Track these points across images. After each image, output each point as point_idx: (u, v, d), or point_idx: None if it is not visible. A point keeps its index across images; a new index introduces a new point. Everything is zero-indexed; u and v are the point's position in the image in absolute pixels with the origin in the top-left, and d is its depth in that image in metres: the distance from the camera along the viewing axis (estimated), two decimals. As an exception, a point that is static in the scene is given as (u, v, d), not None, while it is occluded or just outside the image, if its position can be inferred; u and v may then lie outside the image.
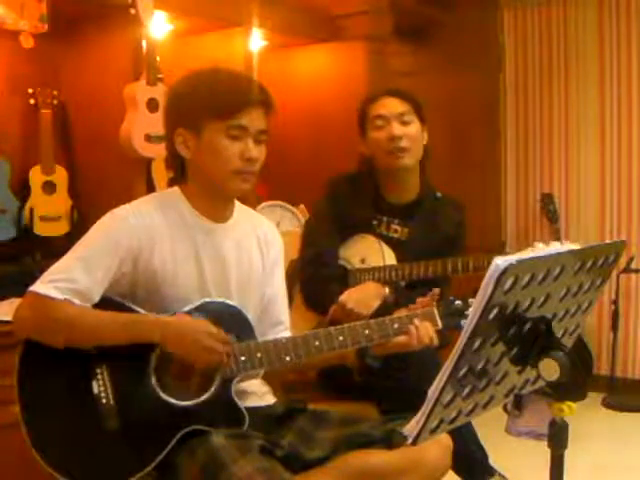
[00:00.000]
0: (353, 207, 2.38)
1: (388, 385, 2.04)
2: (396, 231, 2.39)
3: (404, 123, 2.33)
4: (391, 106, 2.35)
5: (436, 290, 1.80)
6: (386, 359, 1.80)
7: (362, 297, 2.19)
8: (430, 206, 2.41)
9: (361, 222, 2.38)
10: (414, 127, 2.35)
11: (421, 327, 1.74)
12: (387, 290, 2.25)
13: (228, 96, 1.66)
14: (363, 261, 2.36)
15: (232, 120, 1.65)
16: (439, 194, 2.45)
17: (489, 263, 1.90)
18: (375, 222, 2.39)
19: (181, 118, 1.70)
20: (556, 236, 3.96)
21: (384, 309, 2.14)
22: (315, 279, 2.31)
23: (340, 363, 1.86)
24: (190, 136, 1.69)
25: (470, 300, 1.76)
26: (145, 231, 1.66)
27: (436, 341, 1.77)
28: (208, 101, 1.66)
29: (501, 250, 4.01)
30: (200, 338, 1.59)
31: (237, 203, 1.83)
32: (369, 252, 2.36)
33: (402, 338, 1.74)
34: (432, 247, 2.34)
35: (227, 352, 1.62)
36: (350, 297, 2.19)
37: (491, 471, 2.38)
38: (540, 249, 2.13)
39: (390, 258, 2.33)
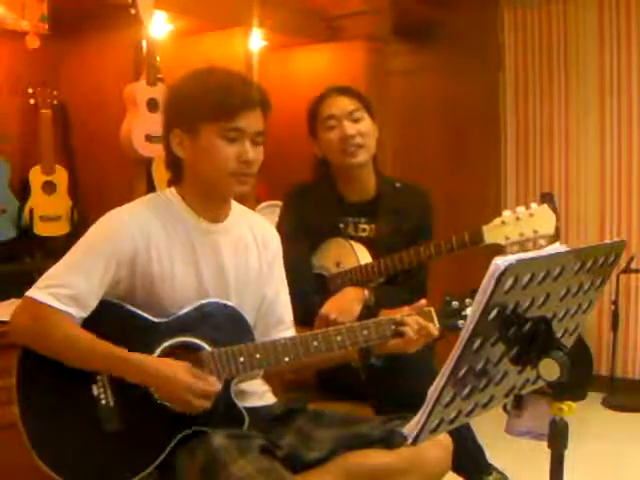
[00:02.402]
0: (316, 214, 2.34)
1: (387, 385, 2.03)
2: (364, 230, 2.36)
3: (355, 120, 2.32)
4: (341, 105, 2.33)
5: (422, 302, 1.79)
6: (387, 359, 1.80)
7: (343, 305, 2.16)
8: (392, 198, 2.38)
9: (327, 228, 2.35)
10: (365, 123, 2.33)
11: (417, 327, 1.73)
12: (366, 292, 2.22)
13: (225, 98, 1.64)
14: (339, 265, 2.32)
15: (229, 122, 1.64)
16: (398, 184, 2.42)
17: (459, 243, 1.90)
18: (342, 225, 2.36)
19: (177, 119, 1.70)
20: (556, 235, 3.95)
21: (367, 312, 2.12)
22: (292, 294, 2.14)
23: (343, 363, 1.85)
24: (186, 137, 1.68)
25: (467, 300, 1.76)
26: (142, 233, 1.65)
27: (436, 331, 1.75)
28: (205, 103, 1.65)
29: (500, 249, 4.00)
30: (180, 394, 1.56)
31: (233, 203, 1.82)
32: (342, 255, 2.32)
33: (399, 340, 1.73)
34: (402, 238, 2.30)
35: (203, 406, 1.58)
36: (332, 307, 2.15)
37: (488, 468, 2.38)
38: (507, 216, 2.19)
39: (363, 256, 2.30)
